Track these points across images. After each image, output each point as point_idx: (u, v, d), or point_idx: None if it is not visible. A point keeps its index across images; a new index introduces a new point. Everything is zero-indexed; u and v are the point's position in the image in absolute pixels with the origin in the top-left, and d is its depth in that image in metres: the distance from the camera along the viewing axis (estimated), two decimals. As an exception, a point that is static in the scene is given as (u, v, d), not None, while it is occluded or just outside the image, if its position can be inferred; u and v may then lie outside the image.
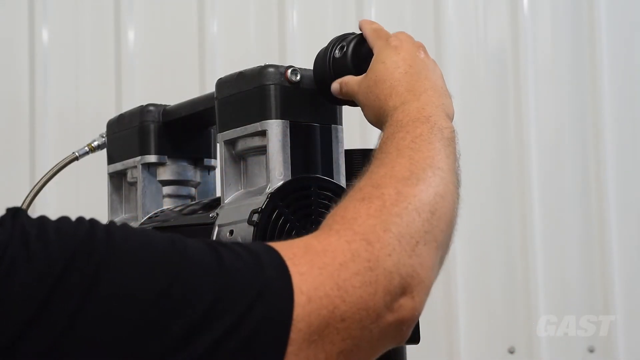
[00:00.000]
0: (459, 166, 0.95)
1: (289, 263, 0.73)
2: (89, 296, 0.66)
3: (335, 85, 1.10)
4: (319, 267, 0.74)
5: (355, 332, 0.74)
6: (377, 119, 1.02)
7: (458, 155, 0.95)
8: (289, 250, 0.75)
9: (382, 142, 0.93)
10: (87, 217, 0.74)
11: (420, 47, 1.05)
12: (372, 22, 1.10)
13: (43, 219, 0.70)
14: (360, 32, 1.12)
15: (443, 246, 0.84)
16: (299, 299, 0.72)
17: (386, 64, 1.03)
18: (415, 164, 0.87)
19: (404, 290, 0.77)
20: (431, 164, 0.88)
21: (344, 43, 1.12)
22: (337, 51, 1.12)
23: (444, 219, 0.85)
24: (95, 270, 0.67)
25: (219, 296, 0.69)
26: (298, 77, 1.14)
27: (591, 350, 2.20)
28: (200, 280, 0.70)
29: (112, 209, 1.44)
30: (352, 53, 1.11)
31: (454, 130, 0.95)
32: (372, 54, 1.07)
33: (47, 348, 0.65)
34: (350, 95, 1.08)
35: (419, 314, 0.80)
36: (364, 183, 0.85)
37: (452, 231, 0.87)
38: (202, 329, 0.68)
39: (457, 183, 0.91)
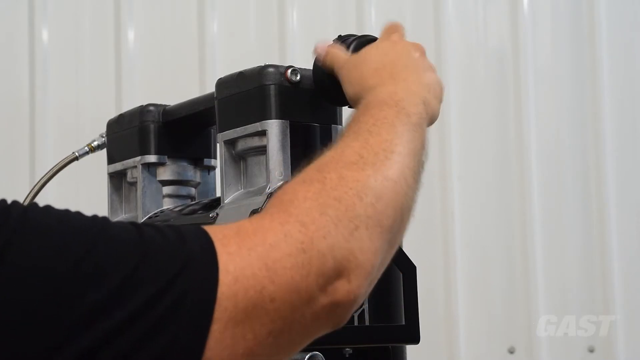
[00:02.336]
0: (425, 153, 0.92)
1: (218, 244, 0.72)
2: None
3: (319, 50, 1.10)
4: (248, 248, 0.73)
5: (286, 314, 0.73)
6: (354, 96, 1.02)
7: (425, 143, 0.92)
8: (220, 232, 0.74)
9: (347, 124, 0.92)
10: (45, 204, 0.73)
11: (419, 49, 1.05)
12: (393, 23, 1.11)
13: None
14: (362, 34, 1.12)
15: (391, 231, 0.82)
16: (225, 278, 0.70)
17: (378, 49, 1.04)
18: (367, 148, 0.85)
19: (339, 273, 0.76)
20: (386, 147, 0.86)
21: (344, 44, 1.12)
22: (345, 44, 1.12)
23: (392, 205, 0.82)
24: (7, 239, 0.66)
25: (137, 267, 0.68)
26: (298, 77, 1.14)
27: (591, 350, 2.20)
28: (117, 252, 0.69)
29: (112, 209, 1.44)
30: (354, 51, 1.11)
31: (424, 118, 0.94)
32: None
33: None
34: (334, 66, 1.08)
35: (357, 298, 0.78)
36: (310, 167, 0.84)
37: (403, 217, 0.84)
38: (120, 299, 0.67)
39: (416, 169, 0.88)
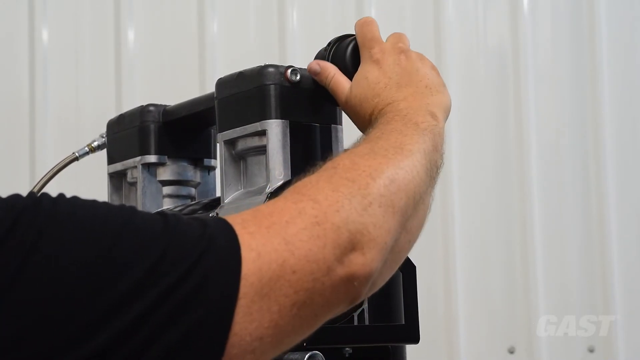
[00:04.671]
0: (440, 156, 0.96)
1: (238, 227, 0.76)
2: (29, 259, 0.68)
3: (312, 69, 1.13)
4: (266, 227, 0.77)
5: (308, 285, 0.76)
6: (362, 129, 1.05)
7: (438, 146, 0.96)
8: (239, 217, 0.79)
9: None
10: (72, 195, 0.75)
11: (402, 52, 1.07)
12: (365, 25, 1.11)
13: None
14: (339, 37, 1.14)
15: (404, 213, 0.85)
16: (249, 255, 0.74)
17: (368, 80, 1.06)
18: (377, 146, 0.90)
19: (353, 245, 0.79)
20: (395, 145, 0.91)
21: (343, 45, 1.12)
22: (335, 52, 1.13)
23: (404, 189, 0.86)
24: (36, 235, 0.69)
25: (163, 254, 0.72)
26: (298, 77, 1.14)
27: (591, 350, 2.20)
28: (143, 240, 0.72)
29: (112, 209, 1.43)
30: (350, 55, 1.11)
31: (433, 124, 0.97)
32: None
33: None
34: (337, 99, 1.11)
35: (372, 272, 0.81)
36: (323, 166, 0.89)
37: (417, 205, 0.88)
38: (148, 284, 0.70)
39: (428, 166, 0.92)
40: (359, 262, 0.79)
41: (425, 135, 0.94)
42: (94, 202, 0.75)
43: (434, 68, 1.07)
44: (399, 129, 0.94)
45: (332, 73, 1.12)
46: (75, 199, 0.74)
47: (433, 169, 0.93)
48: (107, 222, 0.72)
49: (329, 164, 0.87)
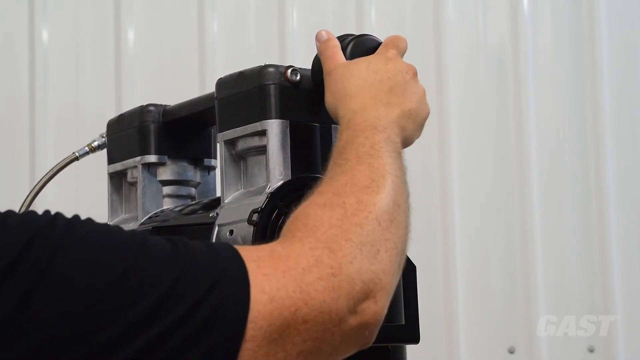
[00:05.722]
0: (407, 183, 0.96)
1: (252, 265, 0.76)
2: (43, 280, 0.68)
3: (319, 37, 1.12)
4: (283, 271, 0.76)
5: (317, 334, 0.76)
6: (334, 109, 1.04)
7: (406, 171, 0.97)
8: (254, 253, 0.78)
9: (342, 145, 0.96)
10: (87, 217, 0.75)
11: (411, 69, 1.06)
12: (397, 36, 1.11)
13: (10, 211, 0.73)
14: (359, 34, 1.13)
15: (402, 253, 0.87)
16: (261, 297, 0.74)
17: (369, 66, 1.05)
18: (375, 172, 0.90)
19: (366, 295, 0.80)
20: (390, 171, 0.91)
21: (342, 44, 1.12)
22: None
23: (401, 227, 0.88)
24: (51, 255, 0.69)
25: (174, 284, 0.72)
26: (298, 77, 1.14)
27: (591, 350, 2.20)
28: (154, 269, 0.72)
29: (112, 209, 1.44)
30: (350, 55, 1.11)
31: (400, 146, 0.98)
32: None
33: None
34: (324, 67, 1.09)
35: (382, 319, 0.82)
36: (325, 189, 0.89)
37: (408, 238, 0.90)
38: (158, 315, 0.70)
39: (408, 194, 0.94)
40: (371, 310, 0.80)
41: (400, 159, 0.95)
42: (107, 227, 0.75)
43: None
44: (383, 146, 0.94)
45: (336, 44, 1.10)
46: (89, 221, 0.75)
47: (409, 195, 0.94)
48: (120, 249, 0.72)
49: (335, 198, 0.86)
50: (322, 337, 0.77)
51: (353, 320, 0.79)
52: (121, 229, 0.76)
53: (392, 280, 0.84)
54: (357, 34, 1.14)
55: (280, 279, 0.76)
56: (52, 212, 0.74)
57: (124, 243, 0.73)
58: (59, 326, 0.68)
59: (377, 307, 0.81)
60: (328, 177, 0.91)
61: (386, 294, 0.82)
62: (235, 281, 0.74)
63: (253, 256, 0.77)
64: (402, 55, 1.09)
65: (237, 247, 0.79)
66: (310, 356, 0.76)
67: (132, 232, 0.76)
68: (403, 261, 0.89)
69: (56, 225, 0.71)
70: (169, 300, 0.71)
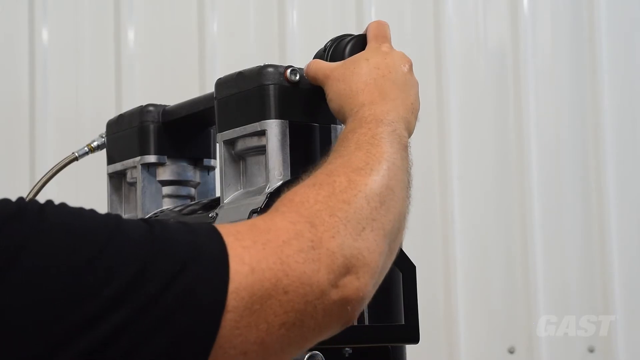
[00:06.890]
0: (411, 174, 0.97)
1: (231, 238, 0.76)
2: (13, 264, 0.68)
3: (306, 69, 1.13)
4: (262, 243, 0.77)
5: (299, 306, 0.77)
6: (341, 109, 1.05)
7: (411, 164, 0.98)
8: (233, 228, 0.78)
9: (344, 134, 0.97)
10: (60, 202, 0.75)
11: (408, 62, 1.07)
12: (380, 25, 1.12)
13: None
14: (358, 34, 1.13)
15: (391, 236, 0.87)
16: (242, 268, 0.74)
17: (369, 62, 1.06)
18: (371, 157, 0.91)
19: (348, 269, 0.80)
20: (387, 158, 0.91)
21: (341, 44, 1.12)
22: (333, 52, 1.13)
23: (392, 211, 0.88)
24: (22, 240, 0.69)
25: (148, 263, 0.72)
26: (297, 77, 1.14)
27: (591, 350, 2.20)
28: (130, 247, 0.72)
29: (112, 209, 1.44)
30: (349, 55, 1.11)
31: (407, 140, 0.99)
32: None
33: None
34: (318, 78, 1.10)
35: (365, 296, 0.82)
36: (319, 171, 0.89)
37: (401, 225, 0.90)
38: (132, 291, 0.70)
39: (408, 184, 0.94)
40: (353, 286, 0.80)
41: (405, 152, 0.96)
42: (80, 210, 0.75)
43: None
44: (386, 137, 0.95)
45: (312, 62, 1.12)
46: (62, 206, 0.74)
47: (410, 187, 0.95)
48: (93, 231, 0.72)
49: (325, 177, 0.87)
50: (304, 309, 0.77)
51: (334, 294, 0.79)
52: (95, 212, 0.76)
53: (378, 259, 0.83)
54: (355, 35, 1.14)
55: (260, 250, 0.76)
56: (27, 200, 0.74)
57: (98, 225, 0.73)
58: (31, 311, 0.68)
59: (360, 283, 0.81)
60: (325, 162, 0.92)
61: (370, 271, 0.82)
62: (213, 253, 0.74)
63: (232, 230, 0.78)
64: (390, 41, 1.10)
65: (216, 224, 0.79)
66: (293, 329, 0.77)
67: (107, 214, 0.76)
68: (396, 246, 0.89)
69: (26, 214, 0.71)
70: (146, 275, 0.71)
